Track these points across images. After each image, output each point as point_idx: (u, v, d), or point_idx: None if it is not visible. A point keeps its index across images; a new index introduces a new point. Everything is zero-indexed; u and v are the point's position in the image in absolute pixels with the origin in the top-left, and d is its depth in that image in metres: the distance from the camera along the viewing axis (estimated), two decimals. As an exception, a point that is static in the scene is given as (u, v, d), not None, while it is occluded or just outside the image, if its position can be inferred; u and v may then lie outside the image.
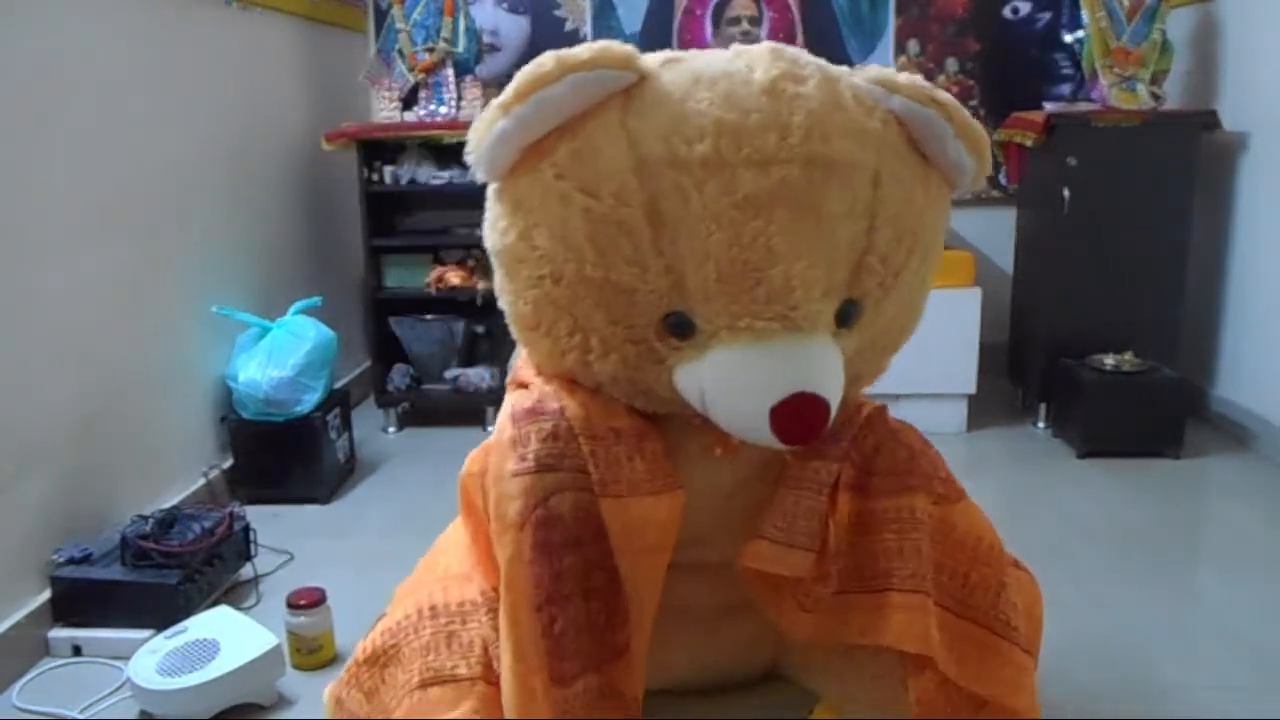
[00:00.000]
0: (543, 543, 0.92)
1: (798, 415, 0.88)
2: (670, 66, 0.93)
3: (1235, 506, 2.21)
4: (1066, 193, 2.57)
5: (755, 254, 0.88)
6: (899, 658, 1.00)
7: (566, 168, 0.91)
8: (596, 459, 0.95)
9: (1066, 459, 2.50)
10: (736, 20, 3.20)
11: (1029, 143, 2.68)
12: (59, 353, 1.74)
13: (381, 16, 3.13)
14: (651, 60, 0.94)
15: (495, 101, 0.92)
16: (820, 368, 0.91)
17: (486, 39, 3.05)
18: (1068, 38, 3.07)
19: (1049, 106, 2.73)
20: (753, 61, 0.92)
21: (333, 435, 2.34)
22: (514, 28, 3.22)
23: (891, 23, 3.15)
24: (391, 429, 2.84)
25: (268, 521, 2.10)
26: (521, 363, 1.11)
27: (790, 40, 3.16)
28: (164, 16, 2.10)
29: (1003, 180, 3.20)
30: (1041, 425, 2.73)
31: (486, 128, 0.92)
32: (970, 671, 0.99)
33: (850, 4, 3.15)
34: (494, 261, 1.02)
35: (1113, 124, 2.56)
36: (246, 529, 1.87)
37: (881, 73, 0.96)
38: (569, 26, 3.22)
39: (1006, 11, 3.15)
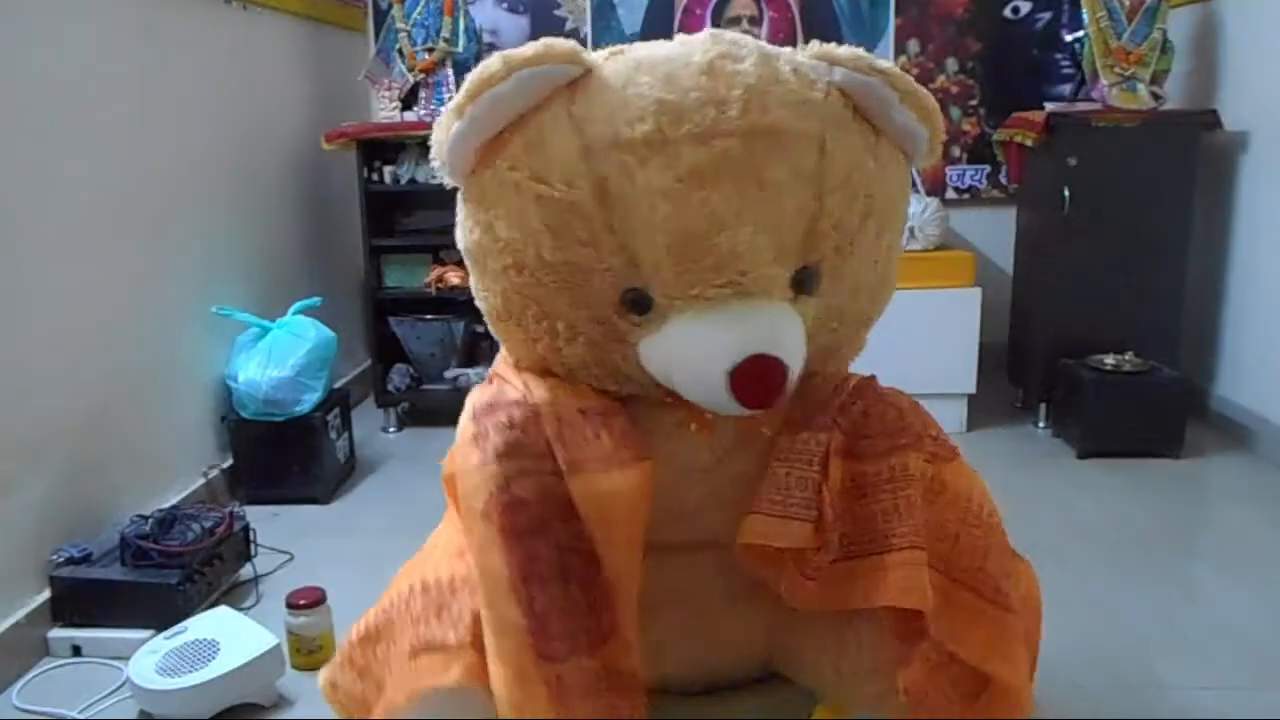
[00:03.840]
0: (510, 527, 0.94)
1: (755, 377, 0.89)
2: (614, 58, 0.98)
3: (1235, 506, 2.21)
4: (1066, 193, 2.57)
5: (701, 223, 0.91)
6: (891, 650, 1.00)
7: (519, 159, 0.95)
8: (563, 439, 0.96)
9: (1066, 459, 2.50)
10: (737, 20, 3.19)
11: (1029, 143, 2.68)
12: (59, 353, 1.74)
13: (381, 16, 3.13)
14: (596, 54, 0.99)
15: (450, 105, 0.96)
16: (776, 331, 0.93)
17: (486, 39, 3.05)
18: (1068, 38, 3.08)
19: (1049, 106, 2.72)
20: (692, 46, 0.96)
21: (333, 435, 2.34)
22: (514, 28, 3.22)
23: (891, 23, 3.15)
24: (391, 429, 2.84)
25: (268, 521, 2.10)
26: (499, 360, 1.13)
27: (791, 40, 3.16)
28: (164, 16, 2.10)
29: (1003, 180, 3.20)
30: (1041, 425, 2.73)
31: (445, 131, 0.96)
32: (956, 635, 0.99)
33: (850, 4, 3.15)
34: (466, 261, 1.07)
35: (1113, 124, 2.56)
36: (246, 529, 1.87)
37: (822, 48, 0.99)
38: (569, 26, 3.22)
39: (1006, 11, 3.15)
